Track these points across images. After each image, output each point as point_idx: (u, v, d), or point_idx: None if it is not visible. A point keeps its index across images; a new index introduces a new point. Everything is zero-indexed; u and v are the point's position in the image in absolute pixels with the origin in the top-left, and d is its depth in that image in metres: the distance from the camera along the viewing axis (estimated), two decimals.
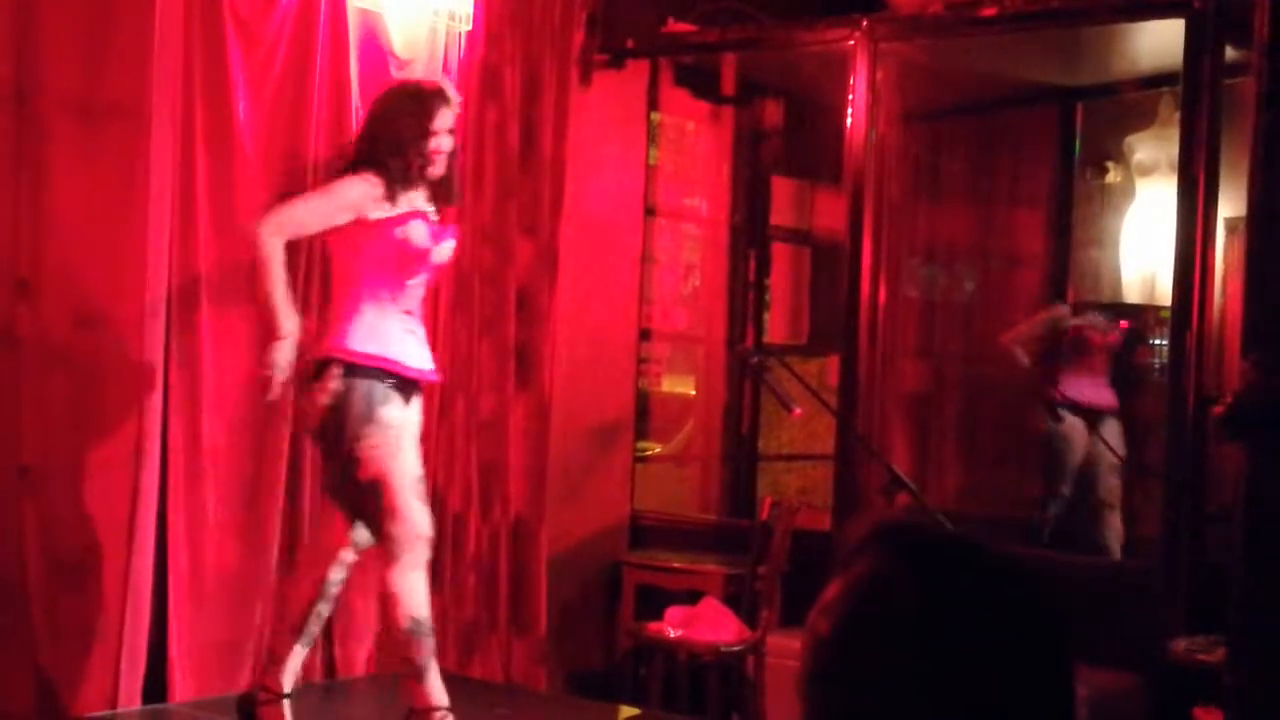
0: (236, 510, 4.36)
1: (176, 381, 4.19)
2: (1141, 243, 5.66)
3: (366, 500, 3.65)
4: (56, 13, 3.90)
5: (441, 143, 3.77)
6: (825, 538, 4.92)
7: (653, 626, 4.56)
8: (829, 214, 5.69)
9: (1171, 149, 4.81)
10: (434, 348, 4.87)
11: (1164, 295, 5.01)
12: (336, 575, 3.83)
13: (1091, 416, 5.61)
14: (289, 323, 3.61)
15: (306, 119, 4.44)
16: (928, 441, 5.93)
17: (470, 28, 4.89)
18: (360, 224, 3.68)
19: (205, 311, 4.25)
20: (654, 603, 4.86)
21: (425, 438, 4.85)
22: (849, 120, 4.97)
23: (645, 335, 5.65)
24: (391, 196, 3.71)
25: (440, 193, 3.87)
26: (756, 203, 5.86)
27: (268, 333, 3.68)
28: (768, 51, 5.38)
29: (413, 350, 3.76)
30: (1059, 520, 5.60)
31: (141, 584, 4.09)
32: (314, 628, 3.85)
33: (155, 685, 4.17)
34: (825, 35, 5.08)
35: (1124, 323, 5.63)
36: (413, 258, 3.72)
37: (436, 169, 3.79)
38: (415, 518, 3.66)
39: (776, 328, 6.01)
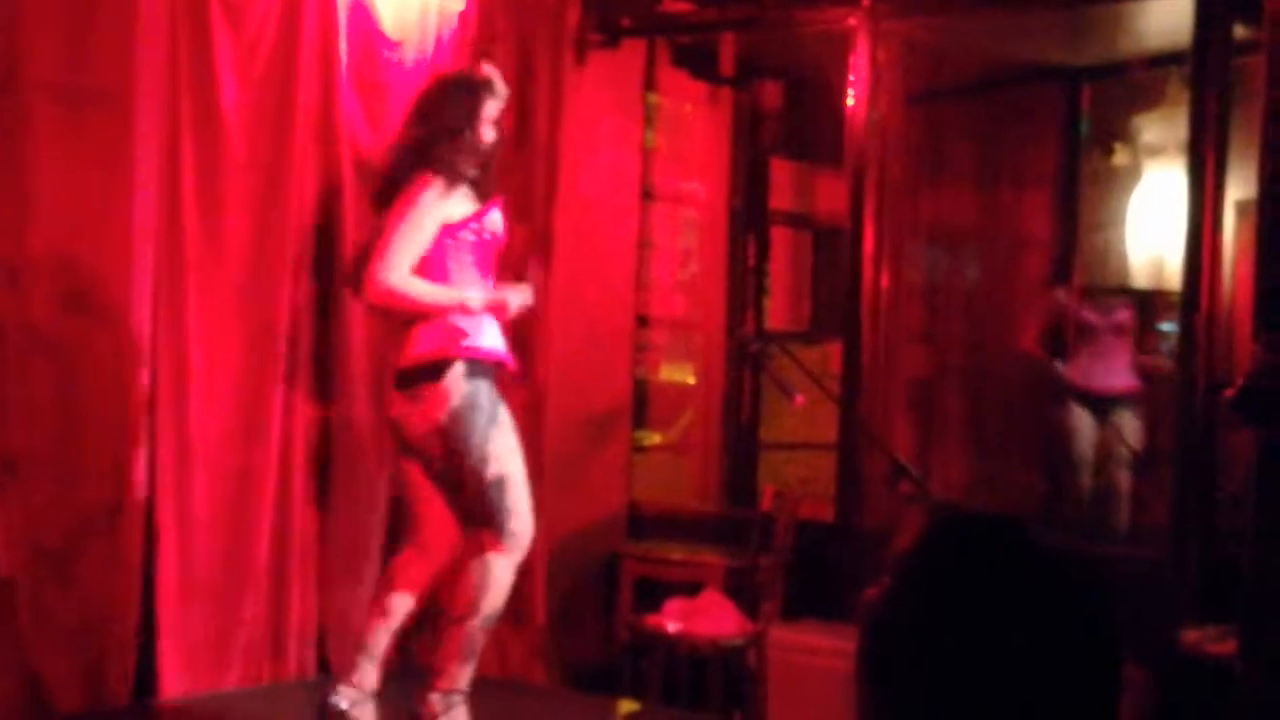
0: (226, 501, 4.30)
1: (164, 369, 4.14)
2: (1149, 225, 5.58)
3: (489, 499, 3.68)
4: None
5: (487, 133, 3.79)
6: (828, 528, 4.86)
7: (652, 619, 4.49)
8: (830, 197, 5.60)
9: (1180, 129, 4.73)
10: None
11: (1172, 278, 4.94)
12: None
13: (1102, 404, 5.52)
14: (468, 294, 3.67)
15: (294, 101, 4.39)
16: (931, 429, 5.85)
17: (462, 7, 4.82)
18: (448, 225, 3.70)
19: (192, 298, 4.21)
20: (653, 595, 4.79)
21: None
22: (850, 101, 4.89)
23: (642, 322, 5.59)
24: (452, 191, 3.71)
25: (482, 186, 3.84)
26: (756, 186, 5.78)
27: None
28: (767, 31, 5.29)
29: (500, 338, 3.79)
30: (1066, 510, 5.53)
31: (129, 577, 4.04)
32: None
33: (144, 680, 4.11)
34: (826, 14, 4.99)
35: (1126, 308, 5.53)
36: (494, 247, 3.80)
37: (481, 159, 3.79)
38: (529, 518, 3.75)
39: (777, 314, 5.93)
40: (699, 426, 6.00)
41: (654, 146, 5.62)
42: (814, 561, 4.69)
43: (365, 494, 4.64)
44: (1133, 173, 5.67)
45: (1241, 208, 4.58)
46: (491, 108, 3.79)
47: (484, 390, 3.66)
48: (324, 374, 4.56)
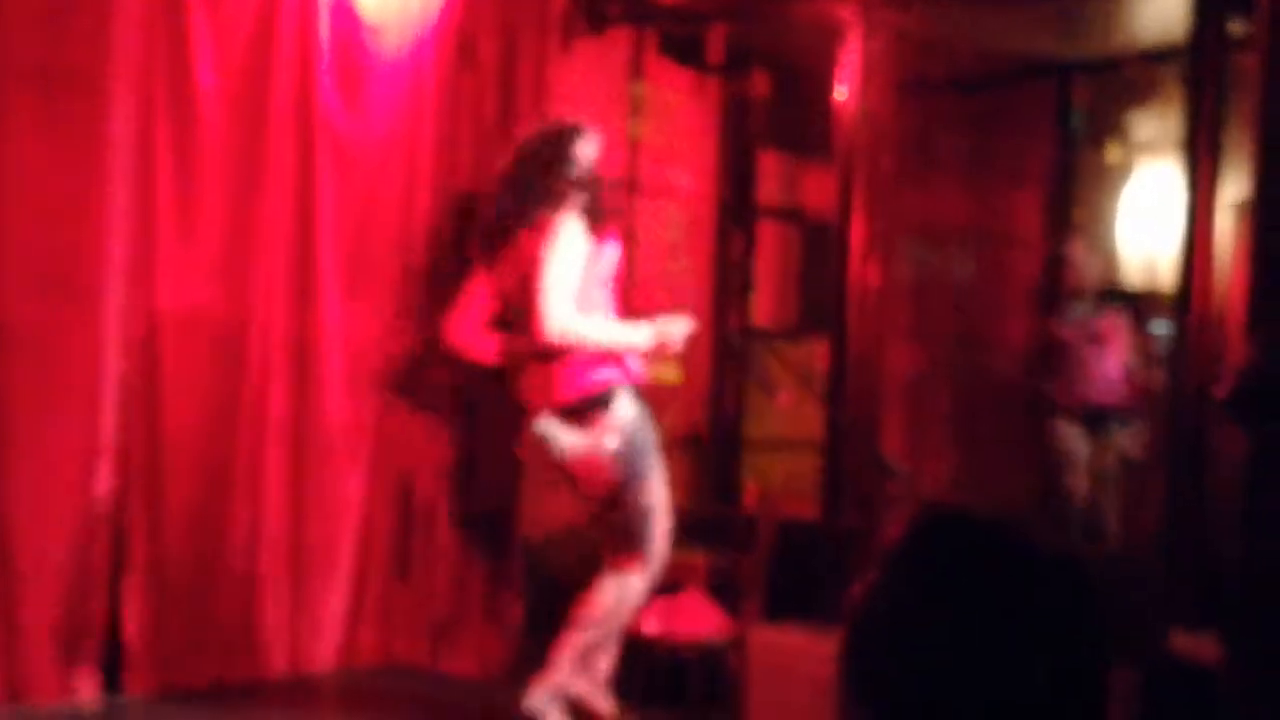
0: (197, 494, 4.24)
1: (136, 358, 4.07)
2: (1142, 223, 5.54)
3: (639, 522, 3.88)
4: None
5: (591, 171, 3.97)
6: (812, 527, 4.79)
7: None
8: (819, 191, 5.53)
9: (1173, 126, 4.68)
10: (404, 328, 4.75)
11: (1164, 277, 4.89)
12: None
13: (1091, 418, 5.47)
14: (638, 332, 3.88)
15: (271, 87, 4.34)
16: (919, 428, 5.80)
17: None
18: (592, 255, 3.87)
19: (165, 286, 4.14)
20: None
21: (396, 423, 4.74)
22: (840, 93, 4.81)
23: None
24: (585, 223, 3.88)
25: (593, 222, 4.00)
26: (743, 178, 5.70)
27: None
28: (757, 20, 5.23)
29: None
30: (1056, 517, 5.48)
31: (99, 570, 3.97)
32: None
33: (112, 677, 4.05)
34: (817, 4, 4.92)
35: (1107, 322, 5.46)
36: (613, 281, 4.00)
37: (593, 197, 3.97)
38: (664, 541, 3.96)
39: (763, 310, 5.86)
40: (682, 423, 5.92)
41: (640, 137, 5.54)
42: (797, 561, 4.63)
43: (333, 494, 4.56)
44: (1125, 169, 5.63)
45: (1238, 209, 4.53)
46: (589, 149, 3.97)
47: (645, 419, 3.87)
48: (299, 368, 4.47)
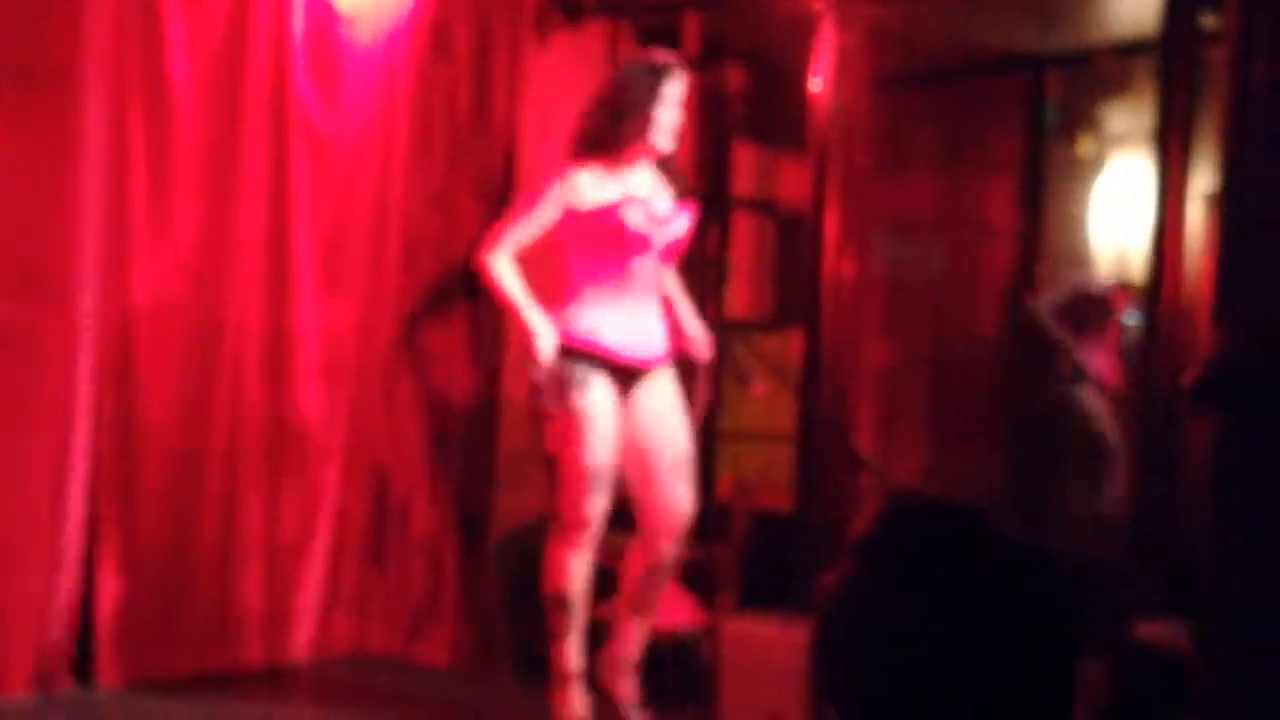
0: (174, 487, 4.23)
1: (109, 354, 4.05)
2: (1114, 215, 5.54)
3: (548, 477, 3.84)
4: None
5: (665, 115, 3.79)
6: (786, 518, 4.80)
7: (603, 610, 4.41)
8: (794, 183, 5.53)
9: (1147, 119, 4.69)
10: (379, 321, 4.74)
11: (1137, 269, 4.90)
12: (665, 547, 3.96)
13: (1102, 393, 5.37)
14: (544, 329, 3.69)
15: (245, 80, 4.31)
16: (894, 420, 5.80)
17: None
18: (575, 212, 3.73)
19: (140, 279, 4.12)
20: (608, 584, 4.72)
21: (372, 415, 4.73)
22: (815, 85, 4.82)
23: None
24: (589, 176, 3.74)
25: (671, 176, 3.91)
26: (718, 170, 5.70)
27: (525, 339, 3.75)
28: (732, 12, 5.22)
29: (628, 335, 3.76)
30: (1036, 498, 5.41)
31: (71, 563, 3.94)
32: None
33: (84, 666, 4.04)
34: None
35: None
36: (632, 241, 3.73)
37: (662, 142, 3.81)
38: (579, 503, 3.77)
39: (739, 301, 5.86)
40: None
41: None
42: (771, 552, 4.64)
43: (308, 486, 4.55)
44: (1098, 162, 5.63)
45: (1210, 201, 4.54)
46: (672, 91, 3.79)
47: (565, 373, 3.68)
48: (274, 361, 4.47)
